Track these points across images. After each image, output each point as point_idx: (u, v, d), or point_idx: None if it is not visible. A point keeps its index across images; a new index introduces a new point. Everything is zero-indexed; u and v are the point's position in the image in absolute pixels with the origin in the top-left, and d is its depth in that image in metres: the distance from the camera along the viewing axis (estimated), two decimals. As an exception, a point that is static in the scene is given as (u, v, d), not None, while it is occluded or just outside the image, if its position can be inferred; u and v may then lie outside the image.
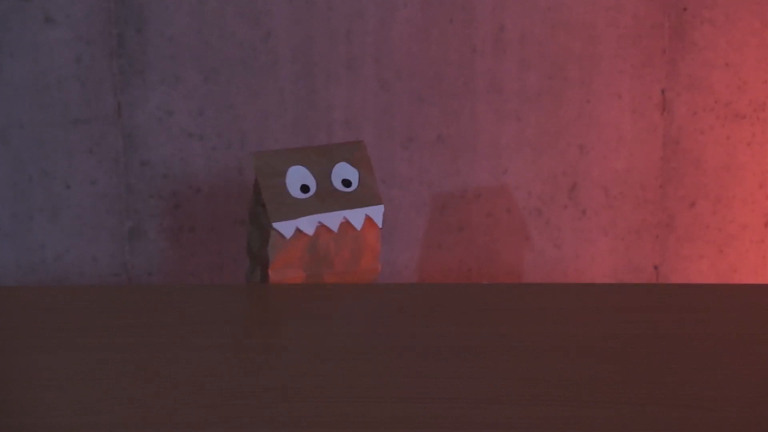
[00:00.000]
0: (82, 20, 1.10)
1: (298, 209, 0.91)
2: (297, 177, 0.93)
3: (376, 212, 0.94)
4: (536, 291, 0.88)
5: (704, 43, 1.14)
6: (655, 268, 1.18)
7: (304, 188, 0.93)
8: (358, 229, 0.93)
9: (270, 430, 0.65)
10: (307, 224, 0.91)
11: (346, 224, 0.93)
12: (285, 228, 0.91)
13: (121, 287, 0.90)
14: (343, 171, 0.95)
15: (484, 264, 1.17)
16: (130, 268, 1.15)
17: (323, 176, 0.94)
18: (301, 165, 0.94)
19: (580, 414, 0.67)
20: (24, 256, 1.14)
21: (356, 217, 0.93)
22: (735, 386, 0.71)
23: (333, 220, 0.92)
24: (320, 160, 0.94)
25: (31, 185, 1.13)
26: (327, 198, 0.93)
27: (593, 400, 0.69)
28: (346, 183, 0.94)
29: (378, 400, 0.69)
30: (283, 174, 0.92)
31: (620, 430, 0.64)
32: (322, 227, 0.92)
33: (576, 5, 1.12)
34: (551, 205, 1.16)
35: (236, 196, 1.14)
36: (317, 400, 0.69)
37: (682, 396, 0.69)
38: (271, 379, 0.72)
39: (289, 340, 0.78)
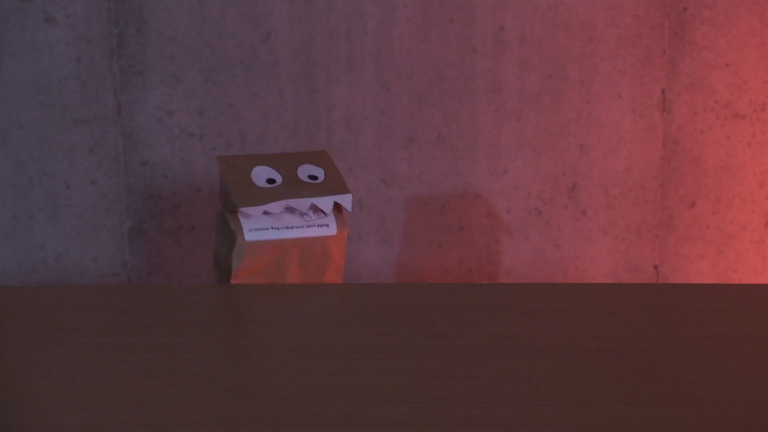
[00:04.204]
0: (82, 20, 1.10)
1: (265, 196, 0.89)
2: (262, 174, 0.91)
3: (345, 200, 0.91)
4: (536, 291, 0.88)
5: (704, 43, 1.14)
6: (655, 268, 1.18)
7: (270, 181, 0.91)
8: (328, 214, 0.91)
9: (270, 430, 0.65)
10: (276, 207, 0.89)
11: (312, 238, 0.90)
12: (252, 212, 0.89)
13: (121, 287, 0.90)
14: (308, 169, 0.92)
15: (484, 264, 1.17)
16: (130, 268, 1.15)
17: (289, 173, 0.92)
18: (266, 165, 0.92)
19: (580, 414, 0.67)
20: (24, 256, 1.14)
21: (325, 203, 0.90)
22: (735, 386, 0.71)
23: (301, 205, 0.90)
24: (285, 162, 0.93)
25: (31, 185, 1.13)
26: (294, 186, 0.91)
27: (593, 400, 0.69)
28: (313, 177, 0.92)
29: (378, 400, 0.69)
30: (248, 171, 0.91)
31: (620, 430, 0.64)
32: (290, 241, 0.89)
33: (576, 5, 1.12)
34: (551, 205, 1.16)
35: (236, 196, 1.14)
36: (317, 400, 0.69)
37: (682, 396, 0.69)
38: (271, 379, 0.72)
39: (290, 340, 0.78)
